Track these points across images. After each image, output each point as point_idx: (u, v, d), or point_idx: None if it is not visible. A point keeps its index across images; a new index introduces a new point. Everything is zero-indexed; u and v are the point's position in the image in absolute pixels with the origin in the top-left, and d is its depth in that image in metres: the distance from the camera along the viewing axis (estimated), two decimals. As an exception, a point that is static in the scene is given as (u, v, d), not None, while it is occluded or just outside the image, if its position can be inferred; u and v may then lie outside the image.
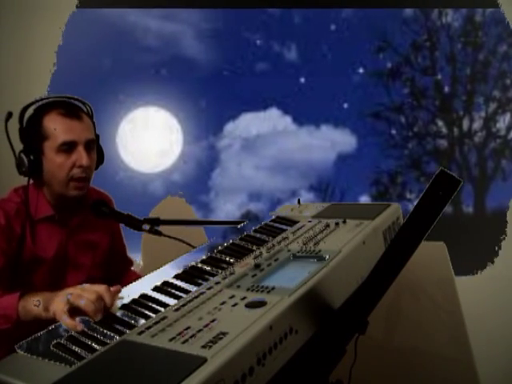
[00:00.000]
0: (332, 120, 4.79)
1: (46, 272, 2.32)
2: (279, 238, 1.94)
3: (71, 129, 2.28)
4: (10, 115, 2.30)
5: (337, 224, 1.97)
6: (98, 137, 2.50)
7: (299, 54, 4.83)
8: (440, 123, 4.73)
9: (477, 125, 4.68)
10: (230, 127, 4.84)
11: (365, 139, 4.80)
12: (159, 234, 2.27)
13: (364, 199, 4.72)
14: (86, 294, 1.58)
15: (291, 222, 2.11)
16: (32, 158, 2.28)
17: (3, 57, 4.34)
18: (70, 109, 2.34)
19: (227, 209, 4.80)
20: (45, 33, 4.38)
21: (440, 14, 4.67)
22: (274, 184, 4.85)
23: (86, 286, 1.64)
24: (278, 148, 4.89)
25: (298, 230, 2.00)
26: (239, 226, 2.13)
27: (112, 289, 1.62)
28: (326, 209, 2.25)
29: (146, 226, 2.28)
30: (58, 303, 1.63)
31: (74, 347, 1.32)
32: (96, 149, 2.45)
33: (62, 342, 1.36)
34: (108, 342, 1.32)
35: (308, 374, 1.39)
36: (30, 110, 2.35)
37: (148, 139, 4.77)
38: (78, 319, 1.52)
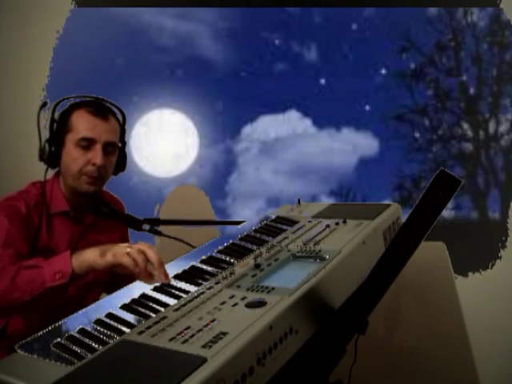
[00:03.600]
0: (353, 123, 4.78)
1: None
2: (279, 237, 2.01)
3: (94, 126, 2.43)
4: (44, 104, 2.47)
5: (337, 224, 2.03)
6: (124, 144, 2.65)
7: (319, 54, 4.83)
8: (465, 126, 4.70)
9: (503, 127, 4.65)
10: (247, 130, 4.85)
11: (387, 143, 4.78)
12: (159, 234, 2.34)
13: (387, 205, 4.69)
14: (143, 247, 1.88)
15: (291, 222, 2.18)
16: (53, 148, 2.44)
17: (2, 56, 4.42)
18: (99, 109, 2.49)
19: (245, 214, 4.81)
20: (43, 32, 4.43)
21: (465, 12, 4.66)
22: (294, 189, 4.84)
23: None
24: (297, 152, 4.89)
25: (298, 229, 2.07)
26: (239, 226, 2.20)
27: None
28: (326, 209, 2.32)
29: (146, 226, 2.36)
30: (120, 248, 1.91)
31: (73, 347, 1.38)
32: (119, 155, 2.59)
33: (62, 341, 1.42)
34: (108, 341, 1.38)
35: (308, 373, 1.44)
36: (65, 104, 2.51)
37: (163, 142, 4.80)
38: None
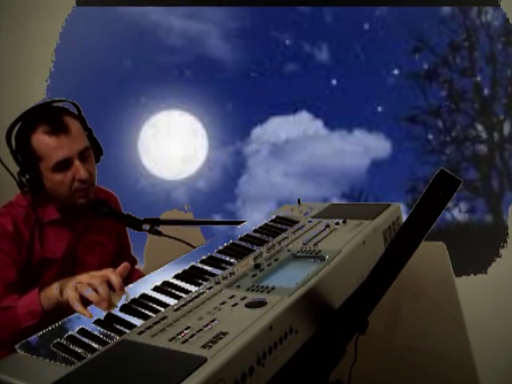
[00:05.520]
0: (365, 124, 4.78)
1: (55, 272, 2.43)
2: (279, 237, 2.03)
3: (62, 146, 2.34)
4: None
5: (337, 224, 2.06)
6: (90, 131, 2.54)
7: (331, 54, 4.85)
8: (479, 127, 4.70)
9: (518, 129, 4.66)
10: (257, 132, 4.86)
11: (400, 144, 4.78)
12: (159, 234, 2.36)
13: (400, 208, 4.69)
14: (92, 280, 1.75)
15: (291, 222, 2.21)
16: (30, 178, 2.36)
17: (3, 56, 4.46)
18: (55, 123, 2.36)
19: (254, 217, 4.83)
20: (46, 32, 4.46)
21: (479, 12, 4.66)
22: (304, 192, 4.85)
23: (94, 273, 1.80)
24: (308, 154, 4.89)
25: (298, 229, 2.10)
26: (240, 226, 2.22)
27: (118, 268, 1.80)
28: (326, 209, 2.35)
29: (146, 226, 2.38)
30: (70, 290, 1.78)
31: (74, 347, 1.40)
32: (91, 145, 2.51)
33: (62, 341, 1.43)
34: (108, 341, 1.41)
35: (308, 373, 1.46)
36: (16, 128, 2.39)
37: (171, 144, 4.82)
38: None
